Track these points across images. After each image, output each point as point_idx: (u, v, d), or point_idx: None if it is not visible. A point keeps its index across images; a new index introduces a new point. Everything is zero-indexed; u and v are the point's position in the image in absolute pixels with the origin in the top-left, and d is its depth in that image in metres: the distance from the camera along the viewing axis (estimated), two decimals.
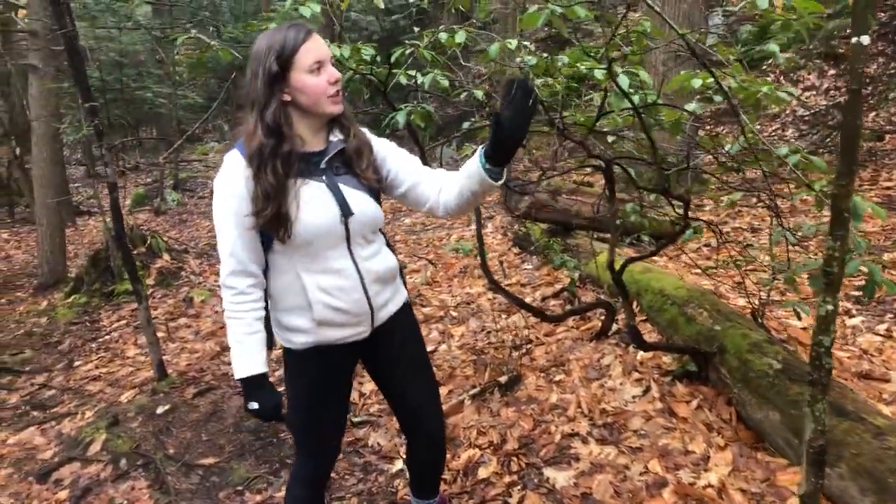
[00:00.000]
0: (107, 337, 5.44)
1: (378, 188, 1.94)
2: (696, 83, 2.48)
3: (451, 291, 5.03)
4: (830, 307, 1.74)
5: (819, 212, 2.24)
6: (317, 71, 1.72)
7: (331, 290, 1.82)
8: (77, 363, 5.00)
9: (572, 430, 2.99)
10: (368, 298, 1.89)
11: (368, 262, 1.89)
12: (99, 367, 4.83)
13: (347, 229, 1.82)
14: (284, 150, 1.72)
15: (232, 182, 1.73)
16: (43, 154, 6.86)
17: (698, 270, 4.37)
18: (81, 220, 11.25)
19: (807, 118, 9.10)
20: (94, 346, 5.30)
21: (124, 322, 5.66)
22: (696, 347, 3.05)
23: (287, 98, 1.73)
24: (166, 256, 6.59)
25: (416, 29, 2.81)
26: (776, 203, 2.47)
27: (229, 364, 4.42)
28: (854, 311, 3.75)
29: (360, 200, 1.84)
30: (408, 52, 2.71)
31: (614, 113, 2.40)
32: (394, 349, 2.06)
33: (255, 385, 1.82)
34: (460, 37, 2.76)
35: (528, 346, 3.79)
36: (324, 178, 1.81)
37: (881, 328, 3.51)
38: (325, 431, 2.07)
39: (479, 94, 2.67)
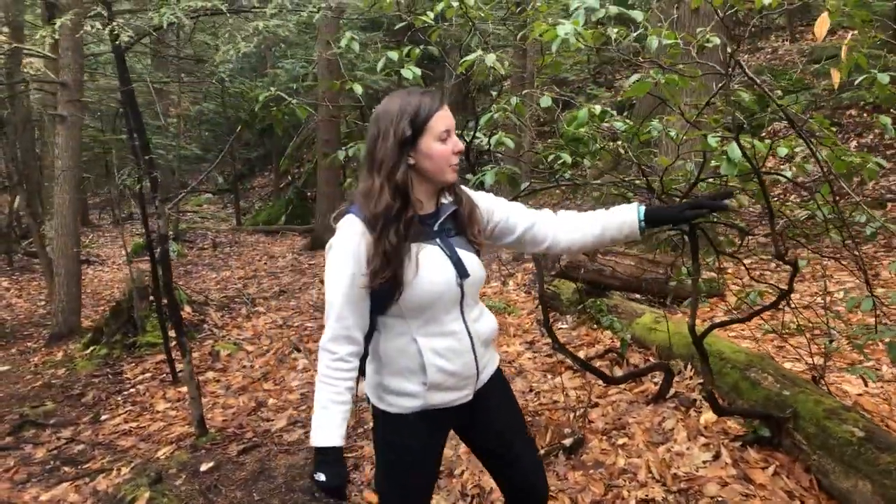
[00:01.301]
0: (132, 390, 5.32)
1: (480, 247, 1.95)
2: (783, 151, 2.55)
3: None
4: None
5: None
6: (445, 139, 1.76)
7: (445, 354, 1.82)
8: (104, 417, 4.88)
9: (646, 495, 2.94)
10: (476, 360, 1.90)
11: (477, 323, 1.91)
12: (128, 422, 4.72)
13: (462, 291, 1.84)
14: (409, 213, 1.74)
15: (351, 245, 1.73)
16: (66, 203, 6.83)
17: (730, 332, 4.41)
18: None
19: (808, 184, 9.32)
20: (119, 399, 5.19)
21: (149, 375, 5.56)
22: (770, 413, 3.04)
23: (412, 162, 1.75)
24: (188, 308, 6.52)
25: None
26: (866, 271, 2.51)
27: (269, 420, 4.40)
28: None
29: (472, 262, 1.87)
30: (496, 116, 2.77)
31: (712, 180, 2.44)
32: (492, 412, 2.03)
33: (329, 457, 1.77)
34: (545, 101, 2.83)
35: (583, 408, 3.75)
36: (437, 240, 1.83)
37: None
38: (417, 498, 2.01)
39: (567, 158, 2.71)
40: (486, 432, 2.06)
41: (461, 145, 1.80)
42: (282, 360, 5.59)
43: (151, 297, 6.24)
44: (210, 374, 5.40)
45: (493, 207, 1.97)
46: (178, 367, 5.28)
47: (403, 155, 1.73)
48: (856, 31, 2.28)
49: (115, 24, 2.91)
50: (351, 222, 1.75)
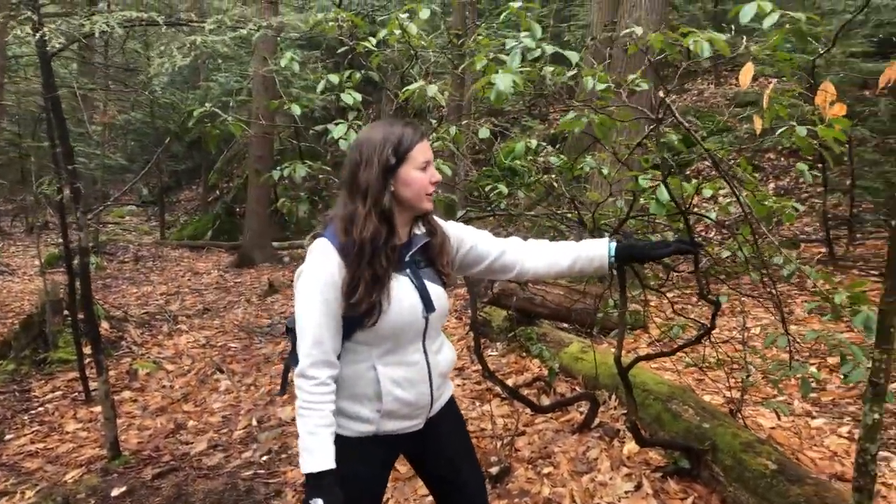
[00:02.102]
0: (40, 409, 5.05)
1: (447, 278, 1.98)
2: (708, 193, 2.66)
3: None
4: (877, 416, 1.84)
5: (828, 322, 2.40)
6: (424, 169, 1.81)
7: (402, 383, 1.84)
8: (8, 436, 4.61)
9: None
10: (432, 392, 1.92)
11: (437, 355, 1.94)
12: (35, 442, 4.48)
13: (427, 324, 1.86)
14: (394, 240, 1.79)
15: (327, 271, 1.74)
16: None
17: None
18: None
19: (729, 223, 9.72)
20: (25, 418, 4.92)
21: (60, 393, 5.29)
22: (690, 445, 3.13)
23: (391, 189, 1.78)
24: (105, 324, 6.26)
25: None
26: (782, 309, 2.62)
27: (188, 443, 4.25)
28: (815, 413, 3.95)
29: (438, 295, 1.90)
30: (435, 145, 2.80)
31: (641, 217, 2.52)
32: (443, 439, 2.04)
33: (325, 481, 1.75)
34: (483, 133, 2.88)
35: (510, 436, 3.77)
36: (408, 271, 1.85)
37: (843, 431, 3.70)
38: None
39: (503, 188, 2.75)
40: (437, 459, 2.07)
41: (438, 176, 1.86)
42: (203, 380, 5.42)
43: (66, 312, 5.97)
44: (126, 394, 5.19)
45: (463, 236, 2.01)
46: (93, 385, 5.05)
47: (387, 182, 1.76)
48: (776, 81, 2.41)
49: (45, 29, 2.79)
50: (325, 248, 1.76)
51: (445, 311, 1.93)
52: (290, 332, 1.91)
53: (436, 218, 1.96)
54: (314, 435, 1.75)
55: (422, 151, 1.80)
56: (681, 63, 2.13)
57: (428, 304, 1.84)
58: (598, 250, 2.02)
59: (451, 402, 2.09)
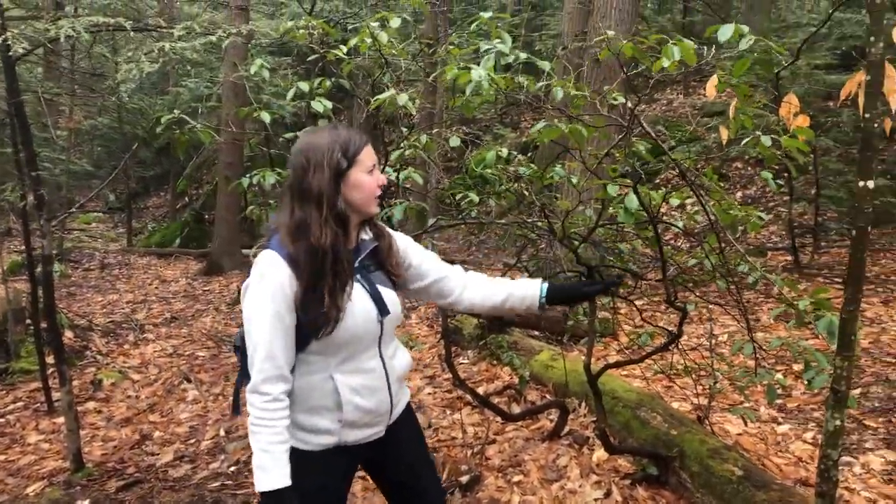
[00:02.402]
0: (1, 420, 4.93)
1: (398, 283, 1.97)
2: (675, 202, 2.69)
3: None
4: (838, 422, 1.88)
5: (795, 328, 2.44)
6: (371, 172, 1.80)
7: (361, 391, 1.82)
8: None
9: None
10: (391, 397, 1.90)
11: (393, 360, 1.93)
12: None
13: (382, 328, 1.85)
14: (349, 245, 1.78)
15: (277, 282, 1.69)
16: None
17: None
18: None
19: (697, 231, 9.86)
20: None
21: (21, 404, 5.17)
22: (658, 452, 3.15)
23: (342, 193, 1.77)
24: (69, 333, 6.14)
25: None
26: (748, 317, 2.66)
27: (153, 455, 4.18)
28: (780, 419, 4.01)
29: (391, 298, 1.89)
30: (406, 153, 2.80)
31: (610, 225, 2.54)
32: (402, 445, 2.03)
33: (281, 499, 1.72)
34: (454, 142, 2.88)
35: (481, 444, 3.77)
36: (359, 276, 1.83)
37: (808, 436, 3.76)
38: None
39: (474, 197, 2.76)
40: (397, 465, 2.04)
41: (384, 179, 1.85)
42: (170, 390, 5.33)
43: (29, 321, 5.84)
44: (91, 405, 5.08)
45: (409, 249, 2.00)
46: (56, 396, 4.94)
47: (339, 186, 1.74)
48: (746, 78, 2.45)
49: (8, 33, 2.74)
50: (272, 259, 1.72)
51: (399, 315, 1.92)
52: (239, 350, 1.88)
53: (383, 224, 1.97)
54: (268, 452, 1.71)
55: (368, 155, 1.79)
56: (651, 73, 2.16)
57: (382, 308, 1.82)
58: (530, 290, 2.05)
59: (409, 407, 2.08)
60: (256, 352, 1.70)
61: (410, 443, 2.06)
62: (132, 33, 3.10)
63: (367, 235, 1.89)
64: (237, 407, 2.04)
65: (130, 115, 16.37)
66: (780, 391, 4.28)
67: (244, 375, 1.84)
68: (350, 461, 1.94)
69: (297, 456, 1.83)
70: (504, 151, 2.80)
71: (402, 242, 1.99)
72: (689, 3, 13.64)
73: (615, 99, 2.17)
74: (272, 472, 1.70)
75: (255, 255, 1.78)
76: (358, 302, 1.78)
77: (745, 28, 1.86)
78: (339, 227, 1.72)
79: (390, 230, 2.00)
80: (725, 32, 1.86)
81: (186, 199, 16.93)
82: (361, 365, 1.82)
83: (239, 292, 1.85)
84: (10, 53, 2.89)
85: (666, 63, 1.89)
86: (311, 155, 1.74)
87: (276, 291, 1.69)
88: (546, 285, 2.06)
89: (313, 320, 1.70)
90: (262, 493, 1.71)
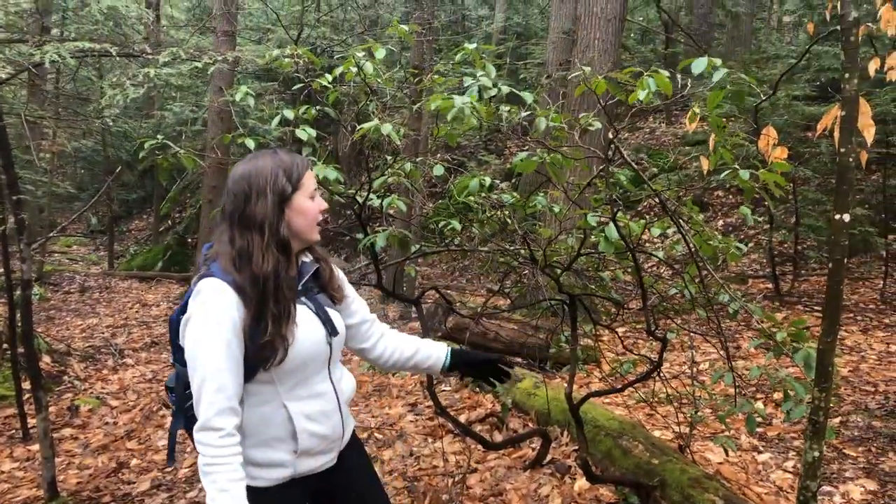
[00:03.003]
0: None
1: (340, 302, 1.95)
2: (656, 231, 2.72)
3: (369, 412, 4.93)
4: (817, 454, 1.89)
5: (773, 358, 2.46)
6: (314, 197, 1.78)
7: (316, 417, 1.78)
8: None
9: None
10: (343, 421, 1.87)
11: (341, 382, 1.90)
12: None
13: (331, 349, 1.82)
14: (293, 271, 1.74)
15: (224, 310, 1.62)
16: None
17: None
18: None
19: (678, 260, 9.95)
20: None
21: None
22: (640, 481, 3.15)
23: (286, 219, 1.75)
24: (47, 358, 6.05)
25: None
26: (727, 347, 2.68)
27: (130, 483, 4.12)
28: (761, 448, 4.02)
29: (338, 318, 1.87)
30: (389, 180, 2.81)
31: (592, 254, 2.56)
32: (352, 474, 1.98)
33: None
34: (438, 170, 2.90)
35: (462, 473, 3.74)
36: (304, 299, 1.80)
37: (788, 465, 3.78)
38: None
39: (457, 224, 2.77)
40: (346, 494, 1.98)
41: (325, 204, 1.83)
42: (149, 416, 5.26)
43: (5, 345, 5.76)
44: (67, 431, 5.00)
45: (343, 283, 1.97)
46: (31, 422, 4.86)
47: (284, 212, 1.71)
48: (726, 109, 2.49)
49: None
50: (216, 285, 1.64)
51: (344, 335, 1.90)
52: (173, 392, 1.80)
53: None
54: (227, 492, 1.59)
55: (310, 179, 1.78)
56: (632, 104, 2.19)
57: (331, 329, 1.81)
58: (437, 351, 2.06)
59: (355, 435, 2.04)
60: (205, 384, 1.60)
61: (360, 470, 2.02)
62: (117, 59, 3.11)
63: (307, 258, 1.86)
64: (172, 455, 1.93)
65: (114, 139, 16.32)
66: (760, 420, 4.30)
67: (180, 418, 1.78)
68: (302, 495, 1.86)
69: (248, 494, 1.71)
70: (487, 180, 2.82)
71: (339, 274, 1.98)
72: (671, 34, 13.88)
73: (591, 125, 2.19)
74: None
75: (194, 284, 1.68)
76: (306, 324, 1.75)
77: (718, 61, 1.90)
78: (281, 254, 1.70)
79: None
80: (699, 65, 1.90)
81: (169, 222, 16.84)
82: (313, 389, 1.78)
83: (170, 325, 1.77)
84: None
85: (641, 95, 1.92)
86: (253, 181, 1.70)
87: (223, 318, 1.62)
88: (450, 351, 2.08)
89: (260, 350, 1.64)
90: None
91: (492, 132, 13.03)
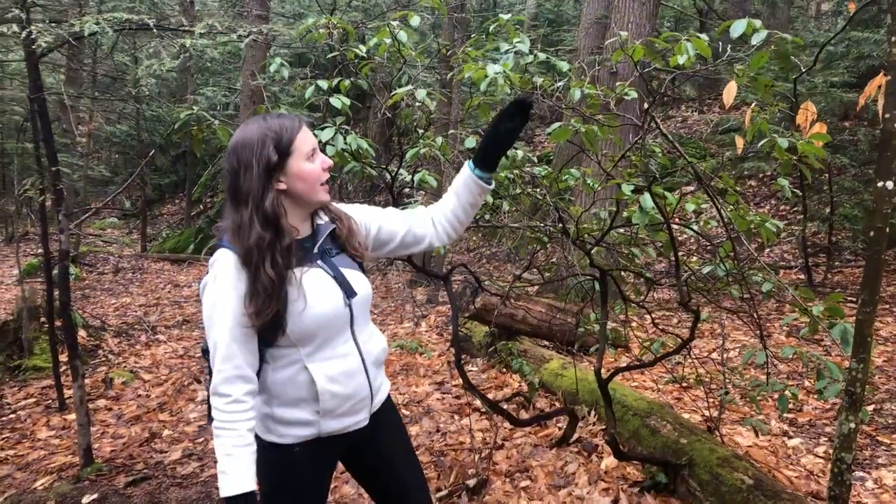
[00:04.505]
0: (12, 416, 4.96)
1: (363, 260, 1.93)
2: (690, 207, 2.69)
3: (396, 389, 4.96)
4: (853, 425, 1.86)
5: (810, 335, 2.42)
6: (312, 157, 1.73)
7: (338, 378, 1.77)
8: None
9: None
10: (370, 381, 1.86)
11: (367, 344, 1.87)
12: (5, 449, 4.38)
13: (352, 311, 1.80)
14: (284, 242, 1.68)
15: (228, 281, 1.65)
16: None
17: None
18: None
19: (709, 248, 9.83)
20: None
21: (33, 400, 5.19)
22: (668, 460, 3.13)
23: (283, 187, 1.70)
24: (83, 333, 6.17)
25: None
26: (761, 325, 2.65)
27: (162, 452, 4.19)
28: (791, 433, 3.98)
29: (357, 279, 1.83)
30: (421, 151, 2.81)
31: (625, 227, 2.54)
32: (382, 436, 1.98)
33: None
34: (469, 142, 2.90)
35: (489, 449, 3.76)
36: (320, 262, 1.78)
37: (820, 451, 3.73)
38: None
39: (489, 198, 2.77)
40: (375, 456, 1.99)
41: (329, 161, 1.77)
42: (180, 390, 5.35)
43: (43, 319, 5.88)
44: (101, 402, 5.10)
45: (370, 218, 1.94)
46: (67, 393, 4.97)
47: (270, 181, 1.67)
48: (759, 99, 2.45)
49: (32, 28, 2.78)
50: (225, 257, 1.67)
51: (368, 296, 1.87)
52: (207, 354, 1.81)
53: (337, 204, 1.91)
54: (230, 456, 1.64)
55: (305, 140, 1.72)
56: (664, 86, 2.16)
57: (348, 290, 1.78)
58: (463, 174, 1.91)
59: (389, 400, 2.04)
60: (216, 352, 1.66)
61: (391, 434, 2.02)
62: (155, 31, 3.14)
63: (322, 219, 1.84)
64: (210, 416, 1.94)
65: (148, 123, 16.56)
66: (791, 405, 4.24)
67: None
68: (329, 453, 1.89)
69: (275, 451, 1.80)
70: (519, 153, 2.81)
71: (361, 214, 1.94)
72: (705, 20, 13.67)
73: (627, 94, 2.17)
74: (234, 478, 1.64)
75: (207, 253, 1.73)
76: (321, 288, 1.74)
77: (758, 22, 1.85)
78: (265, 229, 1.65)
79: (345, 206, 1.95)
80: (738, 27, 1.86)
81: (201, 206, 17.04)
82: (336, 351, 1.78)
83: (201, 291, 1.79)
84: (35, 47, 2.94)
85: (681, 59, 1.89)
86: (240, 154, 1.68)
87: (232, 289, 1.65)
88: (469, 161, 1.91)
89: (260, 320, 1.64)
90: (226, 499, 1.64)
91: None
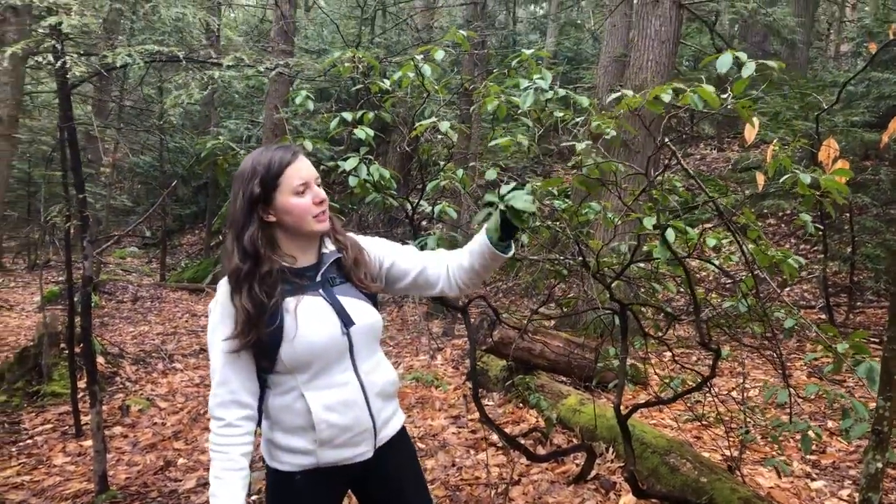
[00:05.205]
0: (29, 441, 4.97)
1: (376, 293, 1.92)
2: (712, 242, 2.68)
3: (412, 422, 4.92)
4: (880, 465, 1.83)
5: (834, 373, 2.38)
6: (302, 192, 1.73)
7: (335, 407, 1.75)
8: None
9: None
10: (371, 414, 1.83)
11: (371, 375, 1.84)
12: (21, 474, 4.39)
13: (350, 341, 1.79)
14: (263, 270, 1.69)
15: (223, 308, 1.71)
16: None
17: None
18: None
19: (728, 285, 9.75)
20: (13, 449, 4.83)
21: (50, 426, 5.21)
22: (689, 498, 3.08)
23: (272, 219, 1.73)
24: (101, 360, 6.21)
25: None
26: (784, 362, 2.61)
27: (177, 481, 4.18)
28: (814, 475, 3.89)
29: (359, 309, 1.81)
30: (441, 183, 2.84)
31: (645, 261, 2.54)
32: (391, 470, 1.94)
33: None
34: (491, 174, 2.92)
35: (505, 485, 3.71)
36: (320, 291, 1.78)
37: (844, 493, 3.64)
38: None
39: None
40: (381, 492, 1.95)
41: (322, 195, 1.76)
42: (196, 419, 5.35)
43: (63, 345, 5.93)
44: (117, 429, 5.11)
45: (383, 252, 1.94)
46: (84, 420, 4.99)
47: (253, 214, 1.71)
48: (781, 134, 2.46)
49: (67, 57, 2.86)
50: (224, 285, 1.74)
51: (371, 326, 1.83)
52: None
53: (349, 234, 1.92)
54: (220, 479, 1.68)
55: (296, 173, 1.72)
56: (685, 129, 2.18)
57: (346, 319, 1.76)
58: (479, 236, 1.81)
59: (403, 434, 1.99)
60: (213, 377, 1.72)
61: (401, 469, 1.97)
62: (184, 63, 3.22)
63: (328, 248, 1.85)
64: None
65: (171, 155, 16.84)
66: (814, 447, 4.16)
67: None
68: (331, 486, 1.86)
69: (278, 477, 1.81)
70: (538, 183, 2.83)
71: (375, 247, 1.94)
72: None
73: (606, 133, 2.19)
74: (223, 501, 1.67)
75: (210, 283, 1.80)
76: (317, 315, 1.74)
77: (744, 55, 1.87)
78: (244, 260, 1.69)
79: (362, 238, 1.95)
80: (724, 62, 1.87)
81: (220, 237, 17.20)
82: (333, 379, 1.76)
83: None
84: (68, 77, 3.02)
85: (698, 106, 1.91)
86: (235, 183, 1.74)
87: (227, 315, 1.70)
88: (484, 231, 1.79)
89: (238, 344, 1.68)
90: None
91: (539, 155, 13.05)
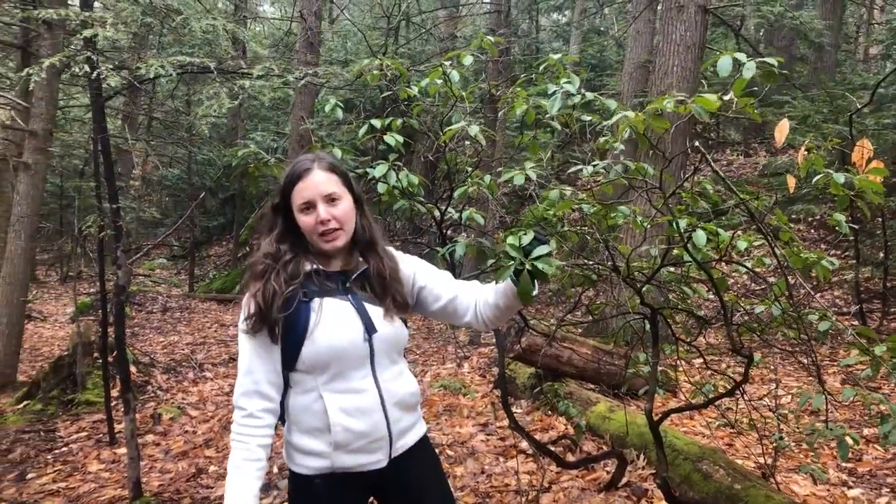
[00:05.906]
0: (64, 448, 5.06)
1: (404, 308, 1.93)
2: (742, 245, 2.66)
3: (440, 429, 4.92)
4: None
5: (871, 378, 2.35)
6: (306, 211, 1.79)
7: (352, 412, 1.77)
8: (31, 475, 4.60)
9: None
10: (388, 422, 1.83)
11: (390, 383, 1.86)
12: (57, 482, 4.46)
13: (372, 348, 1.81)
14: (287, 258, 1.79)
15: (249, 297, 1.78)
16: (19, 251, 6.66)
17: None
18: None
19: (758, 292, 9.63)
20: (49, 457, 4.91)
21: (85, 434, 5.30)
22: None
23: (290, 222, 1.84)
24: (133, 369, 6.30)
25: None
26: (818, 365, 2.58)
27: (208, 488, 4.22)
28: (851, 483, 3.82)
29: (385, 319, 1.84)
30: (470, 189, 2.85)
31: (676, 264, 2.52)
32: (413, 484, 1.94)
33: None
34: (519, 179, 2.93)
35: (535, 492, 3.69)
36: (348, 296, 1.82)
37: (881, 501, 3.57)
38: None
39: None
40: (405, 499, 1.95)
41: (324, 215, 1.77)
42: (226, 427, 5.39)
43: (96, 354, 6.03)
44: (150, 438, 5.17)
45: (417, 272, 1.97)
46: (117, 428, 5.06)
47: (277, 219, 1.84)
48: (812, 135, 2.43)
49: (101, 69, 2.93)
50: None
51: (395, 336, 1.86)
52: None
53: (389, 249, 1.95)
54: (238, 469, 1.72)
55: (299, 193, 1.79)
56: (711, 136, 2.17)
57: (369, 326, 1.79)
58: (504, 288, 1.81)
59: (424, 442, 1.99)
60: (240, 367, 1.77)
61: (422, 479, 1.96)
62: (215, 74, 3.28)
63: (361, 258, 1.89)
64: None
65: (199, 167, 17.07)
66: (850, 454, 4.09)
67: None
68: (347, 490, 1.85)
69: (298, 481, 1.84)
70: (567, 190, 2.82)
71: (410, 266, 1.97)
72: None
73: (614, 147, 2.19)
74: (237, 491, 1.69)
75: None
76: (341, 318, 1.78)
77: (743, 56, 1.85)
78: (265, 258, 1.80)
79: (398, 254, 1.99)
80: (725, 64, 1.86)
81: (248, 248, 17.37)
82: (351, 384, 1.78)
83: None
84: (101, 88, 3.08)
85: (704, 117, 1.90)
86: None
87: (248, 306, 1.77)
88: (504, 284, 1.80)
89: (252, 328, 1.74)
90: None
91: (564, 163, 13.03)
